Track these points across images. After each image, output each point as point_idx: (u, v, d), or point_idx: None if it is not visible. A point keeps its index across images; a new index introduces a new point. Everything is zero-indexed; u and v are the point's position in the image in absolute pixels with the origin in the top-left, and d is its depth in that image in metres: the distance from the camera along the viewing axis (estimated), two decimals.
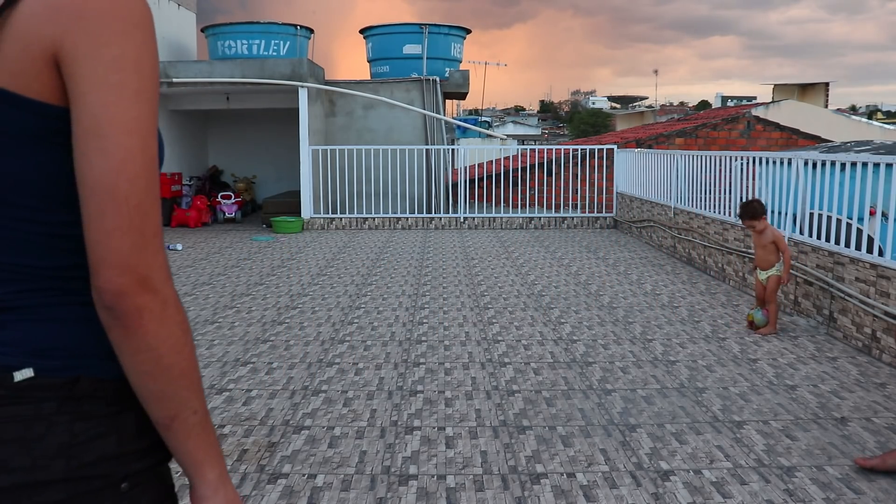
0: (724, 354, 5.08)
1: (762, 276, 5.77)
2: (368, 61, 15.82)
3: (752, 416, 3.98)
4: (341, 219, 12.70)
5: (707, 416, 3.97)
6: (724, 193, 8.08)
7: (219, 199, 13.89)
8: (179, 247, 10.32)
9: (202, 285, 7.69)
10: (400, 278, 8.05)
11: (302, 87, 12.32)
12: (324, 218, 12.68)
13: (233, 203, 13.86)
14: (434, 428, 3.85)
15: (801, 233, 6.23)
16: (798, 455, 3.50)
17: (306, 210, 12.61)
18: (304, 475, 3.32)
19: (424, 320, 6.10)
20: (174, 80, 12.36)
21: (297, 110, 12.46)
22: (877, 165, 5.26)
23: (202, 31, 15.09)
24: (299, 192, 12.73)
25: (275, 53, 14.18)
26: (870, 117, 54.36)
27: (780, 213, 6.80)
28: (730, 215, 7.79)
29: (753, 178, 7.69)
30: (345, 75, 19.20)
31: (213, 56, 14.46)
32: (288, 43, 14.37)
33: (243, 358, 5.06)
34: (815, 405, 4.13)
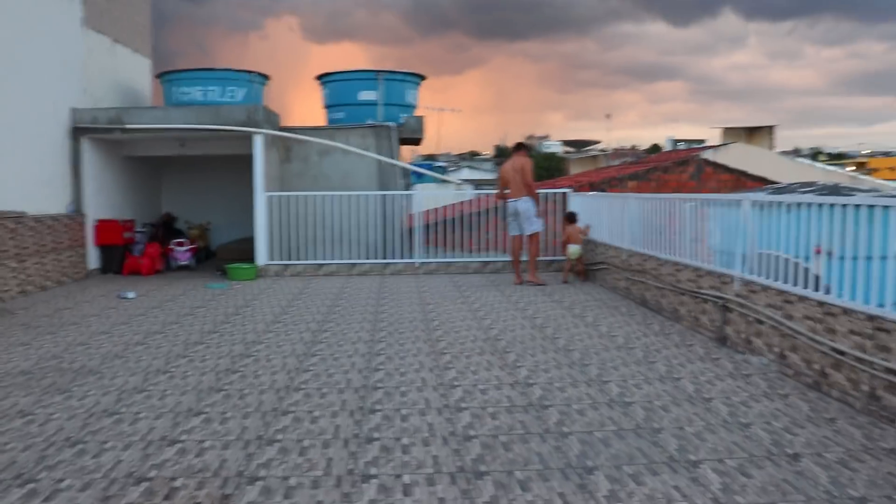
0: (679, 394, 5.12)
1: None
2: (324, 107, 15.88)
3: (707, 455, 4.00)
4: (296, 265, 12.62)
5: (663, 457, 3.98)
6: (677, 235, 8.21)
7: (172, 246, 13.72)
8: (132, 295, 10.15)
9: (154, 334, 7.55)
10: (356, 324, 7.99)
11: (257, 132, 12.31)
12: (279, 264, 12.59)
13: (186, 250, 13.70)
14: (391, 476, 3.80)
15: (752, 272, 6.35)
16: (753, 493, 3.52)
17: (261, 256, 12.51)
18: None
19: (380, 366, 6.05)
20: (128, 126, 12.28)
21: (251, 156, 12.43)
22: (821, 206, 5.41)
23: (157, 77, 15.03)
24: (253, 238, 12.64)
25: (230, 100, 14.16)
26: (814, 158, 55.94)
27: (730, 252, 6.93)
28: (683, 256, 7.91)
29: (704, 220, 7.82)
30: (300, 121, 19.27)
31: (168, 102, 14.40)
32: (244, 89, 14.37)
33: (196, 408, 4.96)
34: (768, 442, 4.17)
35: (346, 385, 5.47)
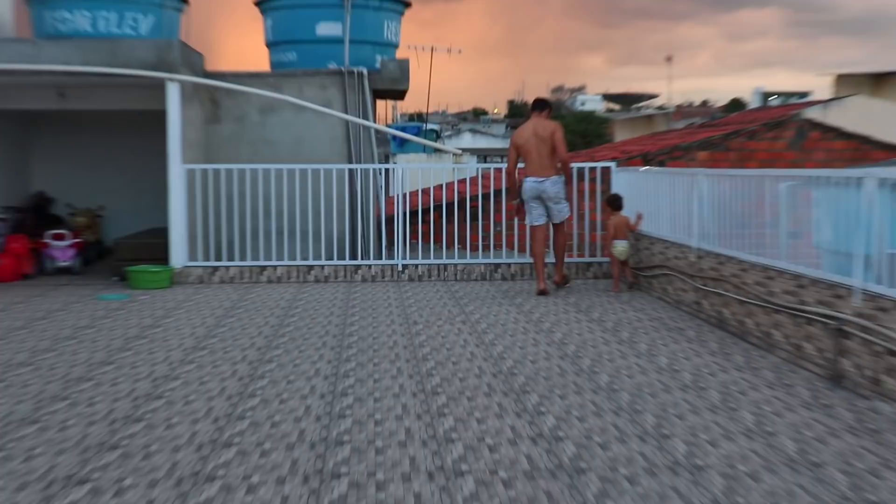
0: (774, 455, 5.07)
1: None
2: (268, 46, 15.86)
3: None
4: (228, 268, 12.59)
5: None
6: (768, 228, 8.18)
7: (47, 239, 13.67)
8: None
9: (18, 367, 7.49)
10: (313, 352, 7.96)
11: (171, 80, 12.25)
12: (203, 267, 12.56)
13: (68, 246, 13.65)
14: None
15: (880, 282, 6.31)
16: None
17: (178, 256, 12.48)
18: None
19: (347, 412, 6.01)
20: None
21: (164, 114, 12.39)
22: None
23: None
24: (167, 230, 12.61)
25: (131, 32, 14.05)
26: None
27: (847, 253, 6.89)
28: (777, 258, 7.88)
29: (808, 206, 7.80)
30: (234, 65, 19.21)
31: (40, 33, 14.27)
32: (151, 17, 14.24)
33: (79, 474, 4.90)
34: None
35: (299, 438, 5.42)
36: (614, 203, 11.94)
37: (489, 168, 17.28)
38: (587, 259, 12.96)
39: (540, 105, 11.54)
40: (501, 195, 15.13)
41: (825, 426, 5.64)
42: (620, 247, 11.55)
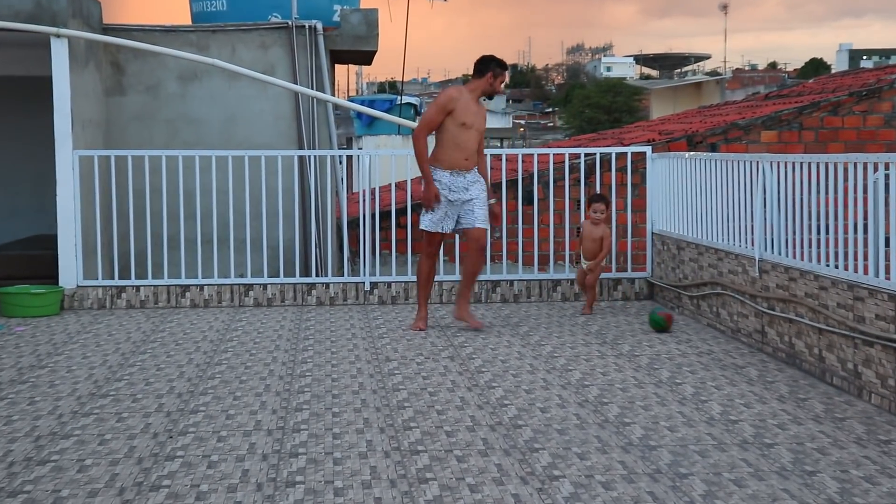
0: None
1: (585, 265, 11.64)
2: None
3: None
4: (138, 288, 12.59)
5: None
6: (856, 232, 8.21)
7: None
8: None
9: None
10: (252, 398, 7.98)
11: (58, 35, 12.22)
12: (104, 287, 12.56)
13: None
14: None
15: None
16: None
17: (69, 273, 12.46)
18: None
19: (298, 476, 6.01)
20: None
21: (48, 81, 12.37)
22: None
23: None
24: (54, 238, 12.59)
25: None
26: None
27: None
28: (866, 272, 7.91)
29: None
30: (143, 18, 19.04)
31: None
32: None
33: None
34: None
35: None
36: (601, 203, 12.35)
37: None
38: (615, 275, 12.98)
39: (484, 64, 10.82)
40: (502, 190, 15.12)
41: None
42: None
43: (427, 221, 10.76)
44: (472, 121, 10.60)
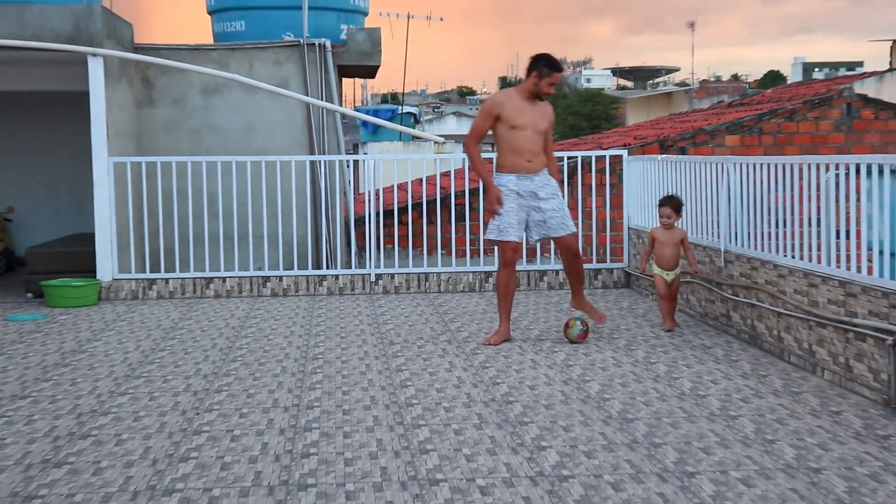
0: (818, 496, 5.10)
1: (669, 276, 9.84)
2: (210, 13, 15.86)
3: None
4: (167, 281, 12.58)
5: None
6: (810, 226, 8.22)
7: None
8: None
9: None
10: (270, 379, 7.97)
11: (94, 55, 12.22)
12: (137, 280, 12.54)
13: None
14: None
15: None
16: None
17: (106, 267, 12.45)
18: None
19: (312, 449, 6.02)
20: None
21: (86, 96, 12.37)
22: None
23: None
24: (92, 236, 12.58)
25: None
26: None
27: None
28: (819, 262, 7.92)
29: (858, 199, 7.84)
30: (170, 38, 19.04)
31: None
32: None
33: None
34: None
35: (255, 482, 5.43)
36: (675, 205, 10.13)
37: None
38: (595, 265, 12.99)
39: (538, 63, 9.44)
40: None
41: (880, 461, 5.66)
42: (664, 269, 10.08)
43: (493, 230, 9.34)
44: (524, 122, 9.22)
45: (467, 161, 10.50)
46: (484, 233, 10.12)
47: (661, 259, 9.88)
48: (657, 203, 10.35)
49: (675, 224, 9.99)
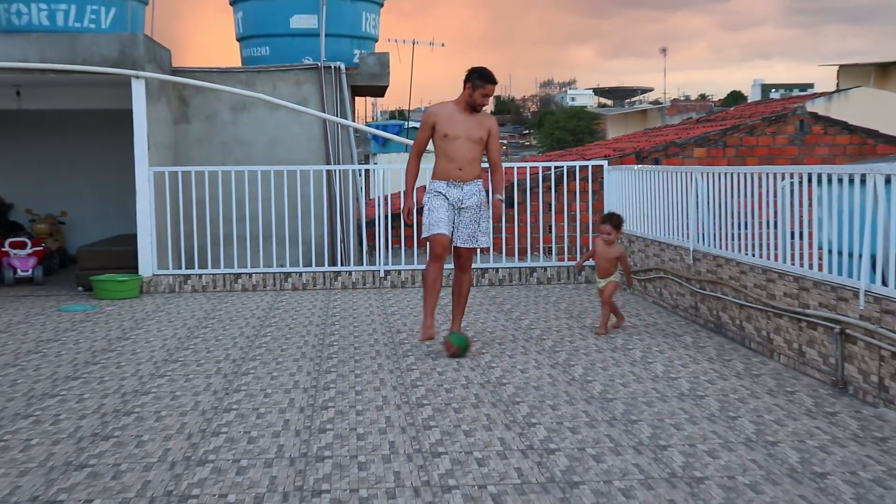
0: (775, 467, 5.12)
1: (601, 283, 9.36)
2: (239, 40, 15.86)
3: None
4: (200, 276, 12.59)
5: None
6: (768, 228, 8.24)
7: (6, 248, 13.64)
8: None
9: None
10: (291, 364, 7.99)
11: (137, 77, 12.23)
12: (174, 275, 12.56)
13: (29, 254, 13.62)
14: None
15: (885, 283, 6.36)
16: None
17: (147, 264, 12.46)
18: None
19: (328, 426, 6.04)
20: None
21: (129, 113, 12.38)
22: None
23: None
24: (135, 236, 12.59)
25: (93, 26, 14.03)
26: None
27: (851, 254, 6.95)
28: (776, 259, 7.94)
29: (810, 204, 7.86)
30: (203, 61, 19.16)
31: None
32: (113, 10, 14.24)
33: (45, 496, 4.90)
34: None
35: (277, 453, 5.45)
36: (614, 222, 9.63)
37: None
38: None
39: (474, 77, 8.64)
40: (489, 195, 15.16)
41: (829, 435, 5.69)
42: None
43: (425, 227, 8.62)
44: (457, 131, 8.52)
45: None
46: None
47: (598, 268, 9.53)
48: (601, 220, 9.76)
49: (617, 241, 9.58)
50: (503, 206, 9.06)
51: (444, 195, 8.57)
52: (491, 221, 9.23)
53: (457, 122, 8.58)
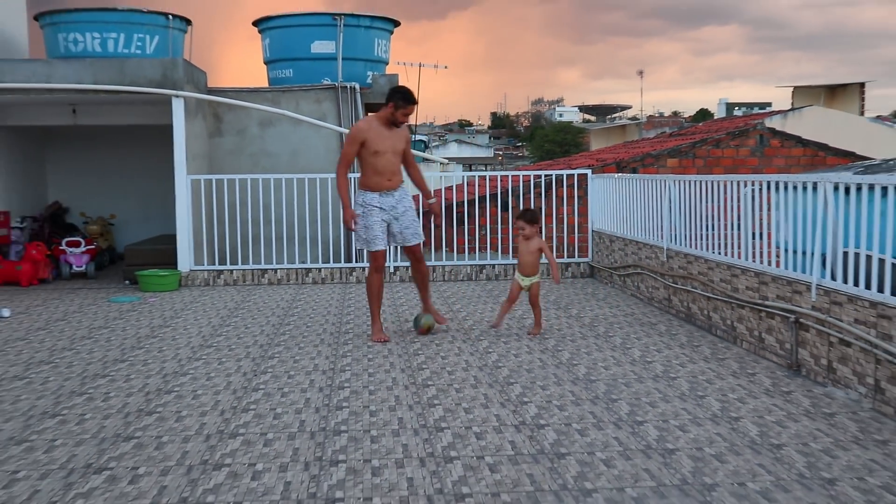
0: (738, 439, 5.14)
1: (525, 282, 8.53)
2: (266, 63, 15.87)
3: None
4: (232, 271, 12.59)
5: None
6: (733, 229, 8.25)
7: (63, 246, 13.66)
8: (6, 313, 10.08)
9: (39, 365, 7.51)
10: (311, 349, 8.00)
11: (177, 96, 12.26)
12: (209, 271, 12.56)
13: (83, 252, 13.64)
14: None
15: (834, 278, 6.38)
16: None
17: (184, 261, 12.48)
18: None
19: (344, 404, 6.05)
20: None
21: (169, 128, 12.40)
22: None
23: (35, 19, 14.93)
24: (174, 236, 12.61)
25: (139, 51, 14.11)
26: None
27: (804, 252, 6.96)
28: (739, 257, 7.95)
29: (769, 209, 7.87)
30: (234, 82, 19.25)
31: (53, 54, 14.32)
32: (157, 38, 14.32)
33: (97, 463, 4.93)
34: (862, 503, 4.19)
35: (300, 429, 5.46)
36: (530, 218, 8.84)
37: (474, 176, 17.30)
38: (566, 260, 13.01)
39: (393, 95, 8.58)
40: (486, 201, 15.20)
41: (784, 411, 5.71)
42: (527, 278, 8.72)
43: (362, 241, 8.50)
44: (384, 147, 8.41)
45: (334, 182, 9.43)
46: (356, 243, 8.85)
47: (521, 265, 8.63)
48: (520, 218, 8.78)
49: (537, 235, 8.64)
50: (438, 205, 9.17)
51: (379, 206, 8.44)
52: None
53: (384, 139, 8.45)
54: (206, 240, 12.77)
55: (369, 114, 8.71)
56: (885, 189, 5.97)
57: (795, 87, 29.93)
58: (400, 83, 14.58)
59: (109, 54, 13.88)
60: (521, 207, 10.64)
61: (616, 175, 12.55)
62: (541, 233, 9.24)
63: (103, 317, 9.98)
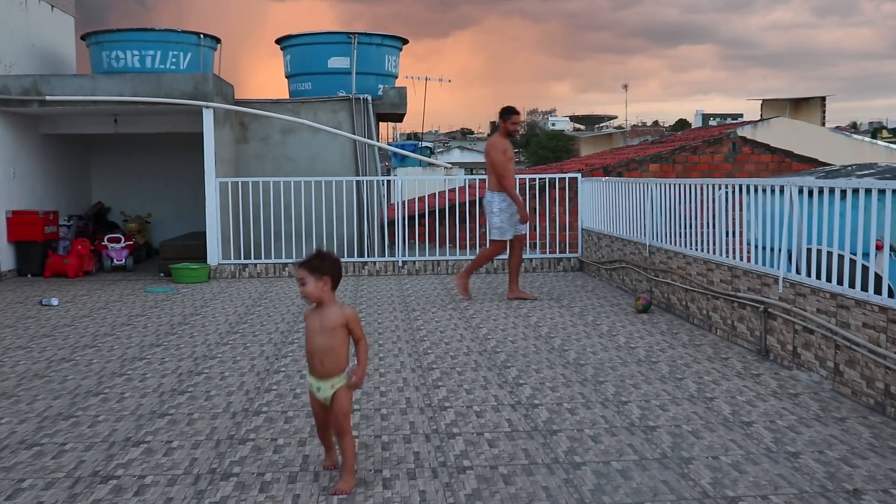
0: (712, 417, 5.13)
1: (320, 390, 4.17)
2: (287, 77, 15.85)
3: (748, 490, 4.01)
4: (256, 265, 12.60)
5: (695, 492, 3.99)
6: (708, 228, 8.24)
7: (105, 242, 13.67)
8: (55, 301, 10.10)
9: (84, 349, 7.51)
10: None
11: (207, 107, 12.27)
12: (235, 264, 12.56)
13: (122, 247, 13.64)
14: None
15: (798, 272, 6.37)
16: None
17: (213, 255, 12.48)
18: None
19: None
20: (47, 98, 12.20)
21: (200, 135, 12.41)
22: (882, 192, 5.42)
23: (82, 38, 14.95)
24: (204, 233, 12.62)
25: (173, 67, 14.11)
26: (874, 136, 55.77)
27: (772, 249, 6.96)
28: (714, 253, 7.94)
29: (740, 209, 7.86)
30: (259, 94, 19.31)
31: (97, 69, 14.33)
32: (189, 54, 14.31)
33: (135, 437, 4.94)
34: (822, 475, 4.18)
35: None
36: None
37: (474, 179, 17.28)
38: (558, 255, 13.00)
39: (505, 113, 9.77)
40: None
41: (754, 392, 5.70)
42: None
43: (498, 232, 9.63)
44: (512, 154, 9.67)
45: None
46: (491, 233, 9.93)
47: (308, 355, 4.27)
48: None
49: (335, 302, 4.23)
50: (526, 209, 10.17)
51: (508, 204, 9.67)
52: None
53: (509, 149, 9.72)
54: (232, 236, 12.76)
55: (490, 136, 9.86)
56: (843, 192, 6.00)
57: (764, 100, 29.88)
58: (408, 95, 14.64)
59: (147, 70, 13.87)
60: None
61: (603, 178, 12.53)
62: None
63: (140, 305, 9.99)
